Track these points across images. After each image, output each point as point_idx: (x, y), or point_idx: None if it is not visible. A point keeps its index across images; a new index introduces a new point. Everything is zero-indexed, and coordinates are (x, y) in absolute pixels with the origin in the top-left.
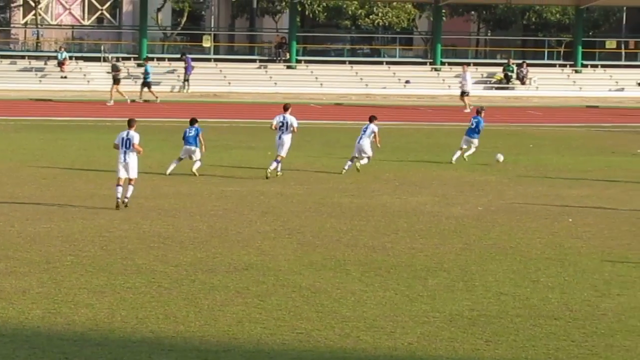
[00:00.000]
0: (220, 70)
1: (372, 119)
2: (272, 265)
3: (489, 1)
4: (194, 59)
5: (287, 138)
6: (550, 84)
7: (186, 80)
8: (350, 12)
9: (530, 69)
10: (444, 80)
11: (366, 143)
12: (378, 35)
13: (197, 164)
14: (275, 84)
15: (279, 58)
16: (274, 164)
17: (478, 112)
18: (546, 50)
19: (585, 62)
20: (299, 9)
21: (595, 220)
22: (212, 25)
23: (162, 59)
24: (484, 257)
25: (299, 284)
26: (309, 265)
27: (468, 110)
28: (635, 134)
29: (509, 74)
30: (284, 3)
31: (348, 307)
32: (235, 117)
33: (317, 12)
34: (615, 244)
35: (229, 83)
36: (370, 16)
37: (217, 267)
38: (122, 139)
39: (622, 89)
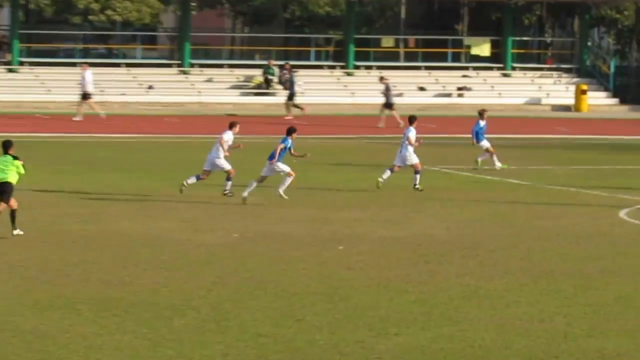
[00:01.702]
0: None
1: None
2: None
3: None
4: None
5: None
6: (318, 88)
7: None
8: (82, 6)
9: (295, 72)
10: (193, 84)
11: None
12: (115, 33)
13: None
14: None
15: None
16: None
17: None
18: (313, 50)
19: (358, 63)
20: (22, 2)
21: (369, 248)
22: None
23: None
24: (239, 292)
25: (20, 327)
26: (32, 305)
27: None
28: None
29: (270, 77)
30: None
31: (79, 354)
32: None
33: (43, 5)
34: (392, 274)
35: None
36: (106, 11)
37: None
38: None
39: (401, 94)
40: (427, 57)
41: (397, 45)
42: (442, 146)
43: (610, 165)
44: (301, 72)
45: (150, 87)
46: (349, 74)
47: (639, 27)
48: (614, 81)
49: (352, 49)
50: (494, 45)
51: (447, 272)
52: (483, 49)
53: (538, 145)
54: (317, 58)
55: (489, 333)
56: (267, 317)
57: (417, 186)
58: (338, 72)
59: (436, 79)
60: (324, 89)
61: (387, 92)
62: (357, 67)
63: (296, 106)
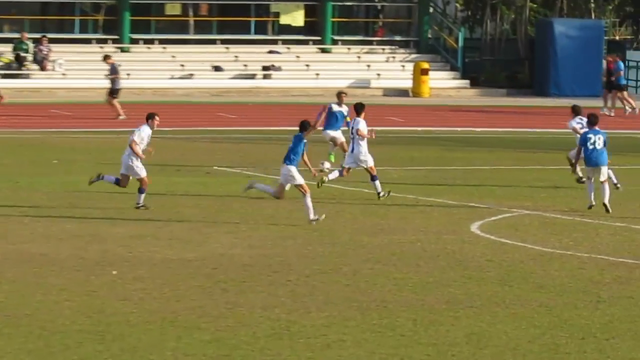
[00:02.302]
0: None
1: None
2: None
3: None
4: None
5: None
6: (83, 68)
7: None
8: None
9: (54, 47)
10: None
11: None
12: None
13: None
14: None
15: None
16: None
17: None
18: (77, 19)
19: (135, 36)
20: None
21: (151, 273)
22: None
23: None
24: None
25: None
26: None
27: None
28: (209, 143)
29: (22, 54)
30: None
31: None
32: None
33: None
34: (181, 307)
35: None
36: None
37: None
38: None
39: (192, 75)
40: (223, 28)
41: (185, 13)
42: (243, 143)
43: (458, 166)
44: (62, 47)
45: None
46: (123, 50)
47: None
48: (463, 58)
49: (128, 17)
50: (309, 12)
51: (250, 303)
52: (295, 17)
53: (368, 141)
54: (83, 30)
55: None
56: None
57: (381, 194)
58: (110, 48)
59: (235, 56)
60: (91, 68)
61: (112, 76)
62: (134, 42)
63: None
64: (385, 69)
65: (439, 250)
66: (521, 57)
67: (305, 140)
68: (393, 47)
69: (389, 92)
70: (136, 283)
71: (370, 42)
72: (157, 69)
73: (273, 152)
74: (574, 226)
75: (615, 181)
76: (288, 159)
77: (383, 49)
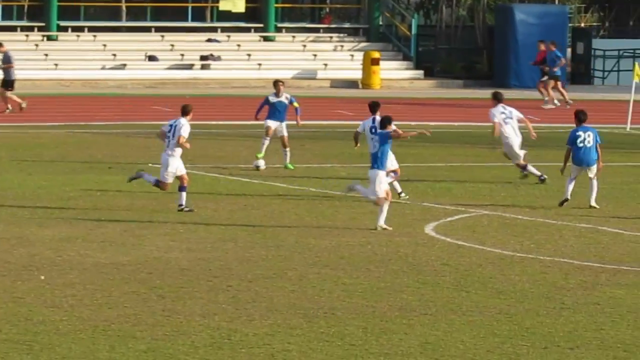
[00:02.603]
0: None
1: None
2: None
3: None
4: None
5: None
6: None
7: None
8: None
9: None
10: None
11: None
12: None
13: None
14: None
15: None
16: None
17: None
18: (0, 5)
19: (63, 24)
20: None
21: (81, 278)
22: None
23: None
24: None
25: None
26: None
27: None
28: (144, 138)
29: None
30: None
31: None
32: None
33: None
34: (114, 314)
35: None
36: None
37: None
38: None
39: (124, 66)
40: (158, 15)
41: None
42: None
43: (412, 163)
44: None
45: None
46: (50, 38)
47: None
48: (417, 47)
49: (55, 3)
50: None
51: (189, 310)
52: (236, 3)
53: (314, 136)
54: (7, 16)
55: None
56: None
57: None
58: (36, 36)
59: (171, 45)
60: (17, 58)
61: (6, 65)
62: (62, 29)
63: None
64: (332, 58)
65: (391, 254)
66: (479, 46)
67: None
68: (341, 35)
69: (337, 83)
70: (66, 289)
71: (316, 30)
72: (87, 58)
73: (213, 148)
74: (536, 227)
75: (538, 174)
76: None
77: (330, 37)
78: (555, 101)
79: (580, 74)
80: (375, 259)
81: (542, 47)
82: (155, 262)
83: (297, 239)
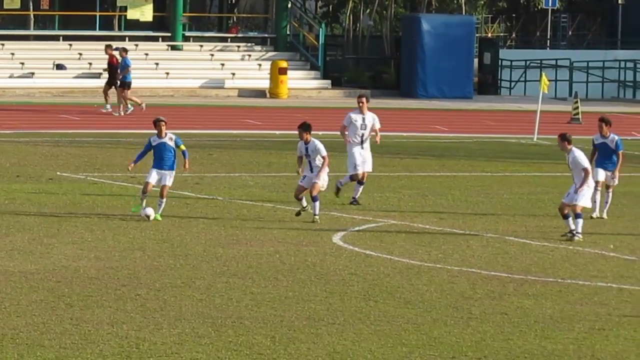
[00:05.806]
0: None
1: None
2: None
3: None
4: None
5: None
6: None
7: None
8: None
9: None
10: None
11: None
12: None
13: None
14: None
15: None
16: None
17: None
18: None
19: None
20: None
21: None
22: None
23: None
24: None
25: None
26: None
27: None
28: (52, 147)
29: None
30: None
31: None
32: None
33: None
34: (22, 323)
35: None
36: None
37: None
38: None
39: (32, 74)
40: (66, 24)
41: (25, 7)
42: (88, 147)
43: None
44: None
45: None
46: None
47: None
48: (324, 57)
49: None
50: (159, 6)
51: (97, 319)
52: (143, 11)
53: (221, 145)
54: None
55: None
56: None
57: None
58: None
59: (80, 54)
60: None
61: None
62: None
63: None
64: (240, 67)
65: (299, 263)
66: (386, 56)
67: None
68: (249, 44)
69: (245, 92)
70: None
71: (224, 39)
72: None
73: (120, 157)
74: (444, 237)
75: None
76: None
77: (238, 47)
78: (129, 106)
79: (488, 84)
80: (283, 268)
81: (111, 53)
82: (64, 270)
83: (205, 248)
